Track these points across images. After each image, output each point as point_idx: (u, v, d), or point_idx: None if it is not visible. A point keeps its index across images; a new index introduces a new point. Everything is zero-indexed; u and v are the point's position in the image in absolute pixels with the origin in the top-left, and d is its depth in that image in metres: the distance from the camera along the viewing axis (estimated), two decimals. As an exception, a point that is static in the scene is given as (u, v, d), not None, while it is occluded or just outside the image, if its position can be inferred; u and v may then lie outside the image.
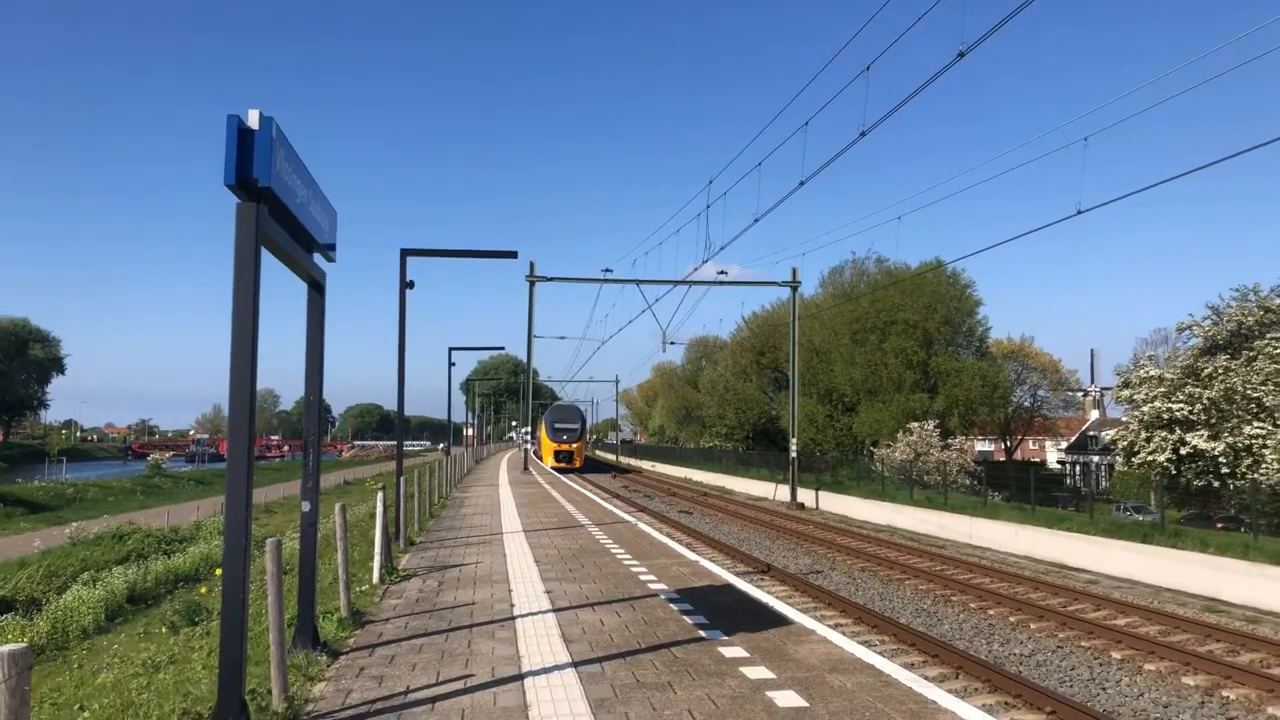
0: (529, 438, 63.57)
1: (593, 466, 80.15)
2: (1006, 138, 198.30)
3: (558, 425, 70.79)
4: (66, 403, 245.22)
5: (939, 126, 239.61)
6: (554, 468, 63.89)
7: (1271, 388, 31.62)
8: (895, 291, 52.88)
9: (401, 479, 17.80)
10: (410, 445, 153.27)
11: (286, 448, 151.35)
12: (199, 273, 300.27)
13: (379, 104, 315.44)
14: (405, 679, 7.27)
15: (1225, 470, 31.82)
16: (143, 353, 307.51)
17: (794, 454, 44.06)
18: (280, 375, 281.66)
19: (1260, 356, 32.62)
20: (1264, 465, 30.20)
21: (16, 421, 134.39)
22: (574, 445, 70.06)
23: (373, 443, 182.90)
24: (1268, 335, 33.40)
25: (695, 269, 38.90)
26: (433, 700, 6.69)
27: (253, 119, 5.87)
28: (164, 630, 13.07)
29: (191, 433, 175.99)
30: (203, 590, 17.41)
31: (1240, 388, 32.28)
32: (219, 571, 14.63)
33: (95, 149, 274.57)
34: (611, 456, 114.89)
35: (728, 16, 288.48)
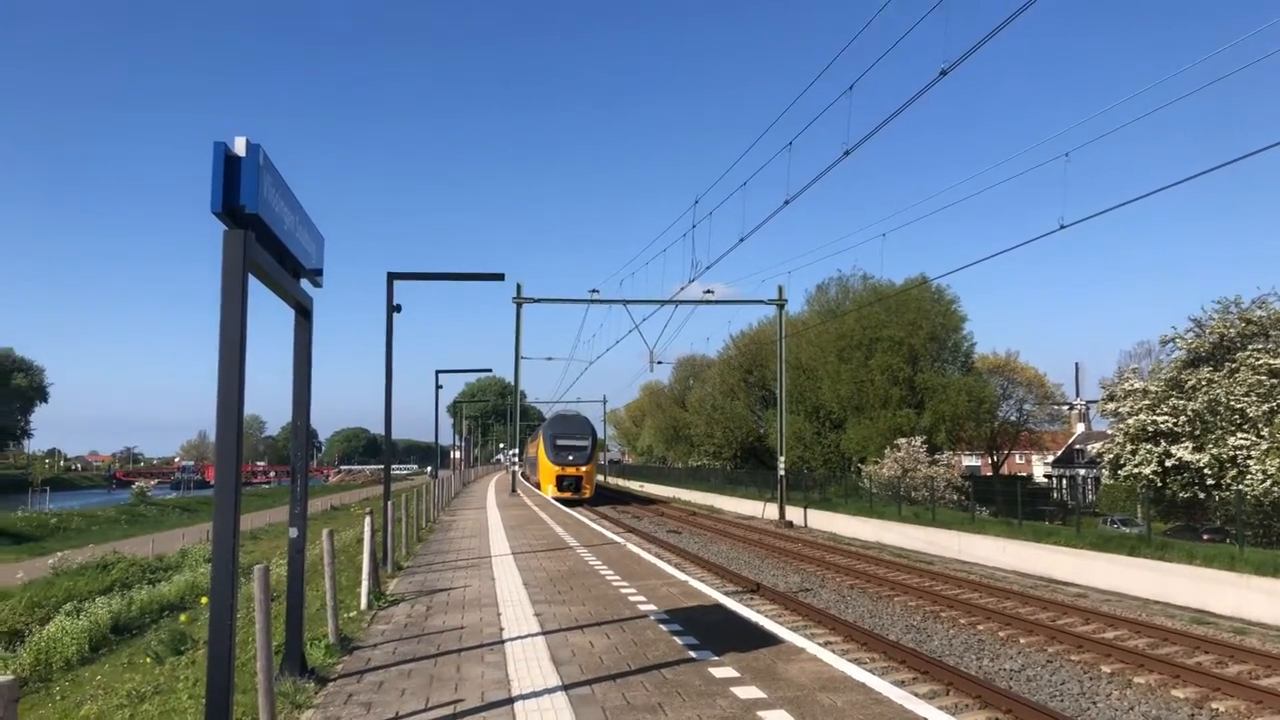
0: (516, 459, 60.84)
1: (603, 494, 62.73)
2: (990, 154, 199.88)
3: (561, 442, 53.58)
4: (50, 431, 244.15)
5: (923, 144, 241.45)
6: (557, 498, 48.17)
7: (1254, 398, 31.87)
8: (881, 308, 53.13)
9: (389, 503, 17.72)
10: (397, 469, 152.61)
11: (273, 474, 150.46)
12: (183, 299, 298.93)
13: (364, 128, 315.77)
14: (394, 705, 7.23)
15: (1210, 482, 32.00)
16: (127, 380, 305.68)
17: (782, 472, 44.09)
18: (266, 401, 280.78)
19: (1242, 368, 32.89)
20: (1248, 476, 30.39)
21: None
22: (583, 469, 53.26)
23: (360, 467, 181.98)
24: (1249, 346, 33.70)
25: (682, 288, 39.07)
26: (423, 726, 6.64)
27: (239, 146, 5.89)
28: (148, 660, 12.96)
29: (177, 460, 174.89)
30: (184, 619, 17.27)
31: (1224, 399, 32.51)
32: (205, 600, 14.52)
33: (77, 176, 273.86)
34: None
35: (712, 36, 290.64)
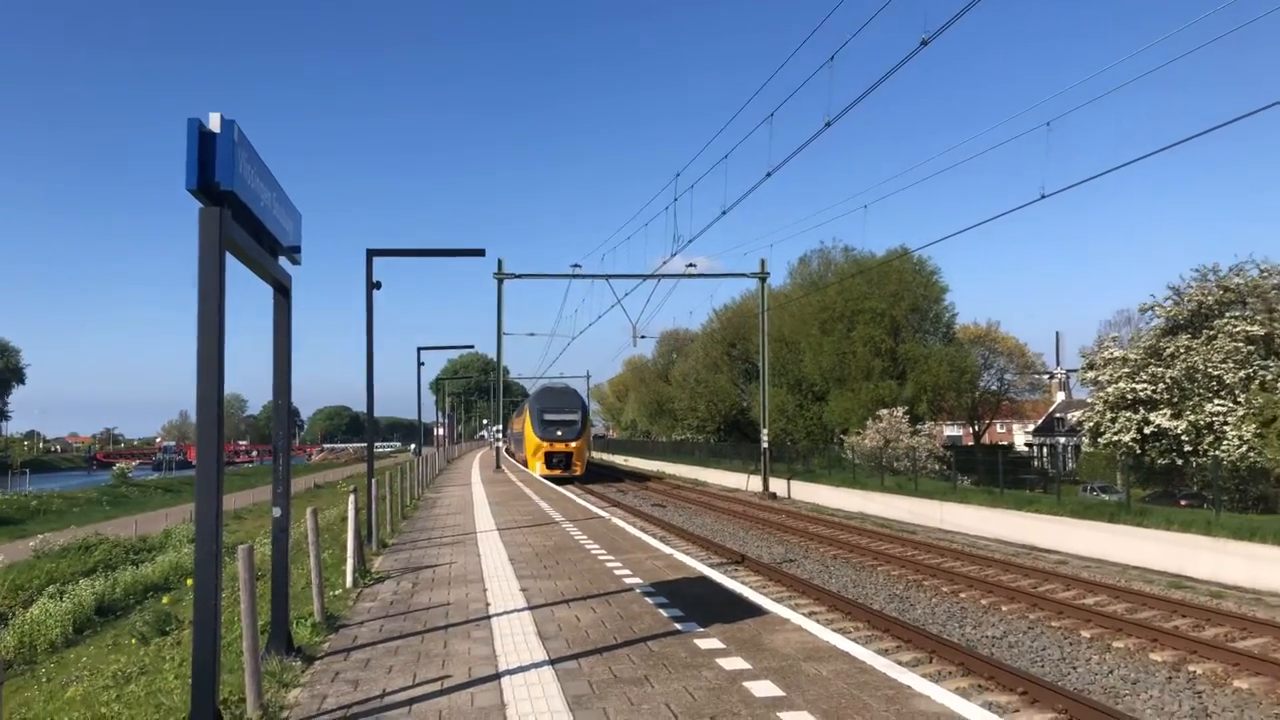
0: (500, 436, 59.83)
1: (589, 470, 56.85)
2: (971, 124, 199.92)
3: (549, 416, 50.58)
4: (28, 413, 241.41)
5: (904, 115, 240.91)
6: (545, 476, 45.69)
7: (1231, 365, 32.17)
8: (862, 280, 53.21)
9: (373, 481, 17.69)
10: (381, 446, 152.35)
11: (255, 453, 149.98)
12: (161, 278, 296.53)
13: (342, 104, 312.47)
14: (381, 682, 7.25)
15: (1188, 448, 32.35)
16: (105, 360, 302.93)
17: (765, 444, 44.27)
18: (247, 379, 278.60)
19: (1220, 335, 33.18)
20: (1225, 442, 30.73)
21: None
22: (573, 444, 50.30)
23: (342, 445, 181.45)
24: (1227, 314, 33.99)
25: (664, 262, 38.93)
26: (409, 702, 6.67)
27: (214, 122, 5.82)
28: (134, 641, 12.94)
29: (158, 440, 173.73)
30: (166, 600, 17.23)
31: (1201, 366, 32.81)
32: (189, 581, 14.48)
33: (50, 154, 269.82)
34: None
35: (691, 9, 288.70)
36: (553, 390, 54.86)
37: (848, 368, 53.27)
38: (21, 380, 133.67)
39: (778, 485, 43.52)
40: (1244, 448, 29.89)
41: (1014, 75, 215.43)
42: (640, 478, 59.90)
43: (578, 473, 50.04)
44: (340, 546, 15.60)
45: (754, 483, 45.66)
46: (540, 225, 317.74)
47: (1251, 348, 32.57)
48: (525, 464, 52.51)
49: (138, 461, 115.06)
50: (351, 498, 13.47)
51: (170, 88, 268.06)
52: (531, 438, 50.31)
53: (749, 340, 63.29)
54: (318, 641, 8.81)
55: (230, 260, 6.16)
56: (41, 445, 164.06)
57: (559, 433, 50.01)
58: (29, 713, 9.82)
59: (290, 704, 6.76)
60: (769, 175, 22.79)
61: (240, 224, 6.39)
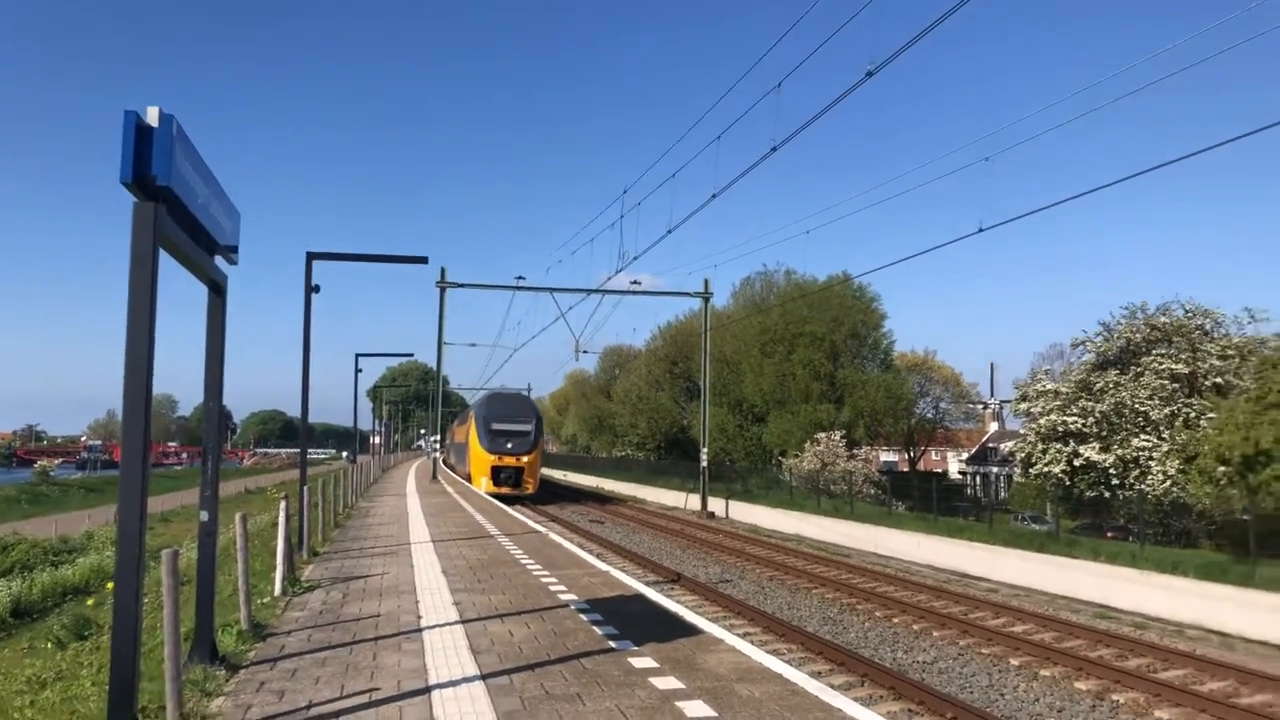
0: (438, 446, 58.16)
1: (549, 491, 52.84)
2: (914, 155, 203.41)
3: (498, 426, 44.20)
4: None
5: (848, 143, 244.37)
6: (493, 494, 40.19)
7: (1157, 402, 33.09)
8: (803, 304, 53.82)
9: (305, 487, 17.36)
10: (314, 453, 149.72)
11: (185, 455, 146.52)
12: (92, 272, 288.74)
13: (286, 106, 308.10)
14: (308, 693, 7.07)
15: (1115, 481, 33.16)
16: (29, 354, 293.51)
17: (705, 463, 44.36)
18: (178, 380, 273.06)
19: (1147, 372, 34.13)
20: (1150, 477, 31.57)
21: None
22: (524, 459, 44.10)
23: (275, 450, 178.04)
24: (1154, 351, 34.98)
25: (609, 278, 38.98)
26: (336, 715, 6.51)
27: (152, 116, 5.68)
28: (50, 646, 12.53)
29: (84, 439, 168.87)
30: (90, 603, 16.74)
31: (1129, 401, 33.70)
32: (110, 585, 14.07)
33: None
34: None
35: (644, 32, 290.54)
36: (503, 397, 48.95)
37: (787, 390, 53.73)
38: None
39: (716, 505, 43.63)
40: (1168, 483, 30.72)
41: (956, 110, 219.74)
42: (579, 493, 59.63)
43: (529, 490, 44.55)
44: (270, 554, 15.24)
45: (693, 501, 45.70)
46: (486, 235, 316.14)
47: (1176, 385, 33.55)
48: (469, 479, 47.11)
49: (61, 460, 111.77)
50: (283, 504, 13.19)
51: (105, 74, 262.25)
52: (477, 450, 44.36)
53: (691, 359, 63.46)
54: (243, 650, 8.59)
55: (164, 257, 6.00)
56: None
57: (509, 445, 43.87)
58: (-68, 719, 9.43)
59: (213, 713, 6.57)
60: (714, 196, 23.03)
61: (176, 220, 6.23)
